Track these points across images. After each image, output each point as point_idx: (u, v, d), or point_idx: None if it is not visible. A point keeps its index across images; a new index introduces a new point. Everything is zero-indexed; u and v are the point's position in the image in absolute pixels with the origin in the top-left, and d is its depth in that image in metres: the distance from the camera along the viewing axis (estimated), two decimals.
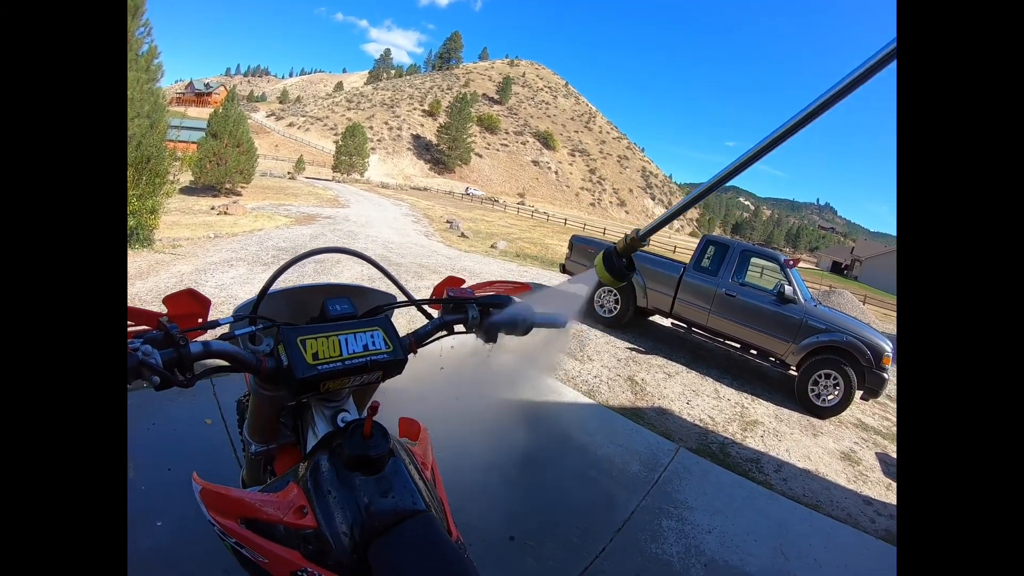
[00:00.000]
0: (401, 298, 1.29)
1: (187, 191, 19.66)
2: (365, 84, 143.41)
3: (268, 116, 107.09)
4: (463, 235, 17.39)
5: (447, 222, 20.23)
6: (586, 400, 4.93)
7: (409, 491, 1.00)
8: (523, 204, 70.19)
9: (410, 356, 1.13)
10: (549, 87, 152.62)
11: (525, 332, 1.32)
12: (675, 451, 4.26)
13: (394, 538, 0.91)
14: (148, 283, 5.41)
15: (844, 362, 6.12)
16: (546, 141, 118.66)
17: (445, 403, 2.68)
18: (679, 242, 49.10)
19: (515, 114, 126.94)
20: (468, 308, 1.29)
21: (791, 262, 6.94)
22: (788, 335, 6.43)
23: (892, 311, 29.15)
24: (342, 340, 1.00)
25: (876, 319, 22.87)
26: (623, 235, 1.16)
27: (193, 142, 22.77)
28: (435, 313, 1.35)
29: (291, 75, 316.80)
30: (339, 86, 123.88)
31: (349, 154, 57.34)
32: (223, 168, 21.60)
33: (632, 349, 6.84)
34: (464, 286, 1.36)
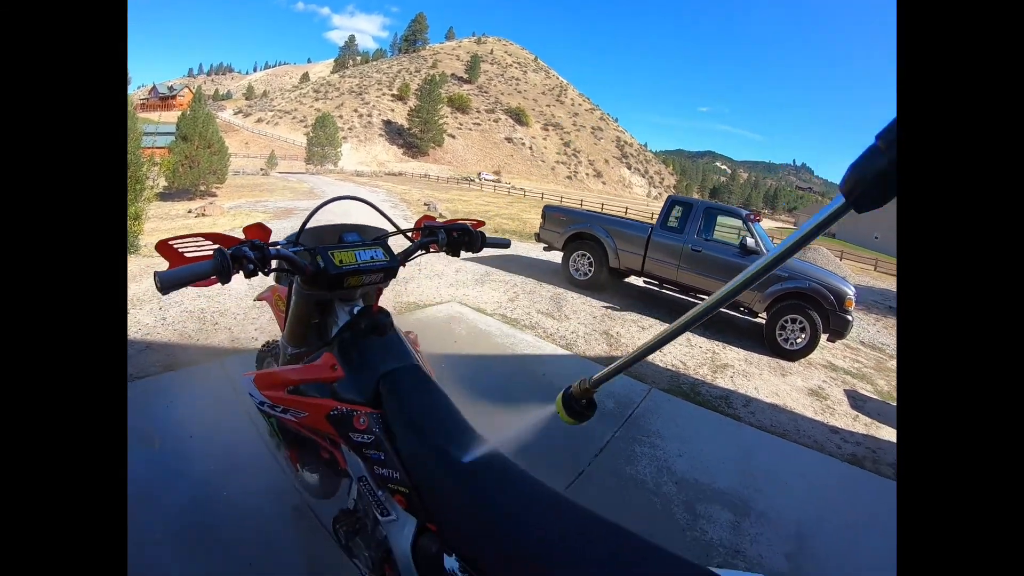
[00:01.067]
0: (394, 231, 1.77)
1: (162, 196, 19.64)
2: (331, 73, 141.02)
3: (235, 114, 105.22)
4: (441, 216, 17.65)
5: (425, 204, 20.38)
6: (564, 352, 5.26)
7: (405, 351, 1.48)
8: (499, 181, 69.95)
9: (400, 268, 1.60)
10: (518, 63, 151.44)
11: (479, 250, 1.77)
12: (647, 391, 4.63)
13: (396, 375, 1.37)
14: (143, 285, 5.64)
15: (808, 307, 6.51)
16: (518, 117, 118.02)
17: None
18: (656, 210, 49.39)
19: (485, 92, 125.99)
20: (438, 232, 1.74)
21: (752, 216, 7.32)
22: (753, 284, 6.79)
23: (868, 265, 29.84)
24: (357, 253, 1.44)
25: (852, 272, 23.37)
26: (578, 381, 1.13)
27: (163, 147, 22.60)
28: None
29: (255, 70, 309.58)
30: (305, 77, 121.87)
31: (321, 145, 57.05)
32: (196, 170, 21.57)
33: (607, 307, 7.22)
34: (439, 221, 1.80)
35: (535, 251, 10.33)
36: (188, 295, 5.25)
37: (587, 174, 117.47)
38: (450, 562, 1.10)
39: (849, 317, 6.55)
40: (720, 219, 7.59)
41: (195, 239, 1.22)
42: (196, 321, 4.74)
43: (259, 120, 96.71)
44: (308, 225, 1.51)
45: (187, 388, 3.44)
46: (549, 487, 1.15)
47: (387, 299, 5.48)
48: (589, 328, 6.11)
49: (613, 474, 3.30)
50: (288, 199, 21.87)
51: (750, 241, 6.89)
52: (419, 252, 1.71)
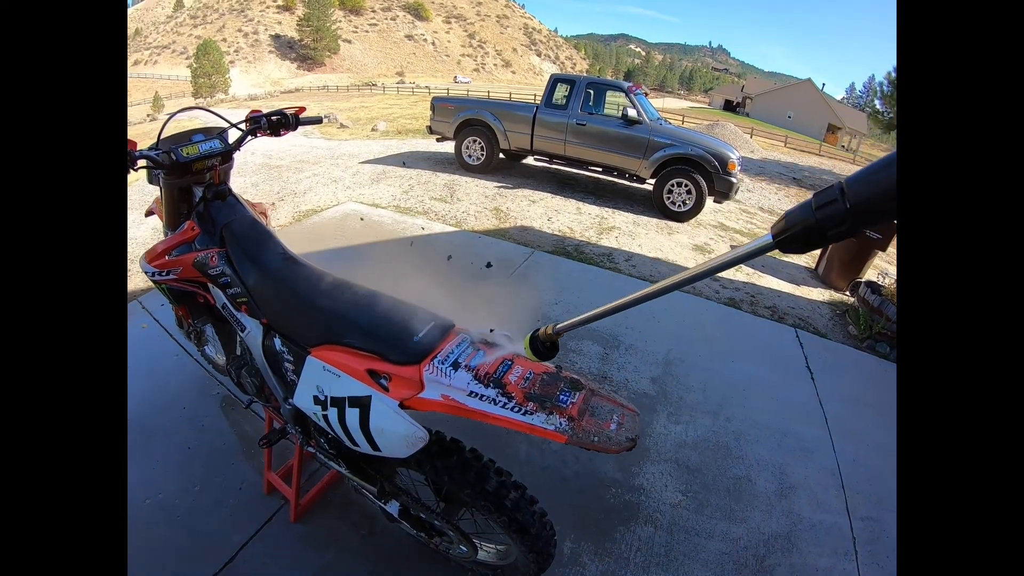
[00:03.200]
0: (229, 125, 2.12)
1: None
2: None
3: None
4: (342, 125, 16.96)
5: (324, 116, 19.45)
6: (452, 228, 5.50)
7: (243, 209, 1.93)
8: (402, 82, 66.79)
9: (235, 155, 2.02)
10: None
11: (294, 128, 2.15)
12: (530, 253, 4.98)
13: (233, 224, 1.83)
14: None
15: (693, 171, 6.88)
16: (417, 12, 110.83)
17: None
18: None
19: None
20: (261, 120, 2.07)
21: (634, 88, 7.56)
22: (638, 152, 7.15)
23: (779, 141, 31.01)
24: (200, 146, 1.83)
25: (761, 147, 24.19)
26: (544, 326, 1.26)
27: None
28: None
29: None
30: (179, 4, 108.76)
31: (207, 75, 52.68)
32: None
33: (500, 187, 7.47)
34: (264, 112, 2.14)
35: (434, 146, 10.30)
36: None
37: (495, 65, 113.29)
38: (277, 342, 1.65)
39: (733, 179, 6.94)
40: (603, 93, 7.79)
41: None
42: None
43: (136, 62, 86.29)
44: (163, 135, 1.88)
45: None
46: (340, 277, 1.65)
47: (286, 211, 5.51)
48: (480, 207, 6.34)
49: (491, 324, 3.63)
50: None
51: (631, 112, 7.13)
52: (249, 138, 2.07)
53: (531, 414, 1.22)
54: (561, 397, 1.27)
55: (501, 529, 1.52)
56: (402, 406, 1.32)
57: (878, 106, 38.45)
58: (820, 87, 67.97)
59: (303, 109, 2.19)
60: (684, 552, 2.22)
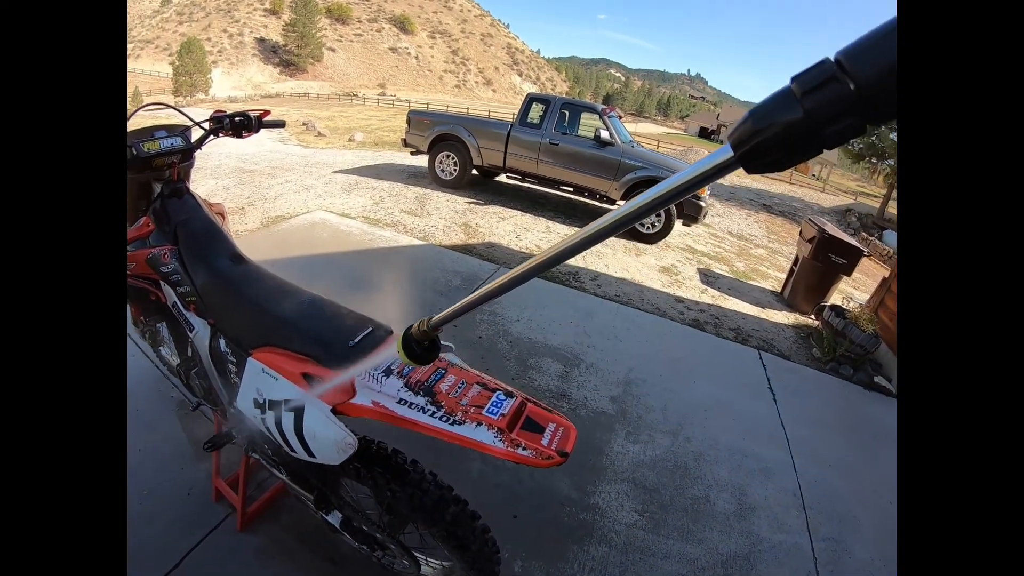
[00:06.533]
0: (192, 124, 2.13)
1: None
2: None
3: None
4: (320, 134, 16.92)
5: (303, 124, 19.41)
6: (419, 242, 5.46)
7: (197, 206, 1.91)
8: (384, 94, 66.86)
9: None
10: None
11: (256, 130, 2.17)
12: (495, 269, 4.98)
13: (188, 222, 1.82)
14: None
15: None
16: (403, 25, 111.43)
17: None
18: None
19: (367, 0, 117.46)
20: (224, 120, 2.05)
21: (607, 110, 7.67)
22: (609, 174, 7.23)
23: None
24: (161, 142, 1.86)
25: (732, 175, 24.71)
26: (417, 322, 1.02)
27: None
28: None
29: None
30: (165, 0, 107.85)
31: (188, 73, 52.26)
32: None
33: (471, 202, 7.46)
34: (254, 114, 2.17)
35: (409, 159, 10.30)
36: None
37: (476, 82, 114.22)
38: (222, 343, 1.65)
39: (702, 203, 7.06)
40: (577, 114, 7.88)
41: None
42: None
43: None
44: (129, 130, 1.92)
45: None
46: (290, 282, 1.64)
47: (255, 216, 5.45)
48: (449, 222, 6.32)
49: (451, 338, 3.61)
50: None
51: (604, 134, 7.20)
52: (211, 137, 2.07)
53: (459, 424, 1.20)
54: (492, 407, 1.24)
55: (441, 544, 1.49)
56: (335, 411, 1.30)
57: None
58: None
59: (267, 112, 2.21)
60: (639, 572, 2.20)
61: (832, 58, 0.44)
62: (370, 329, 1.41)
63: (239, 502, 2.02)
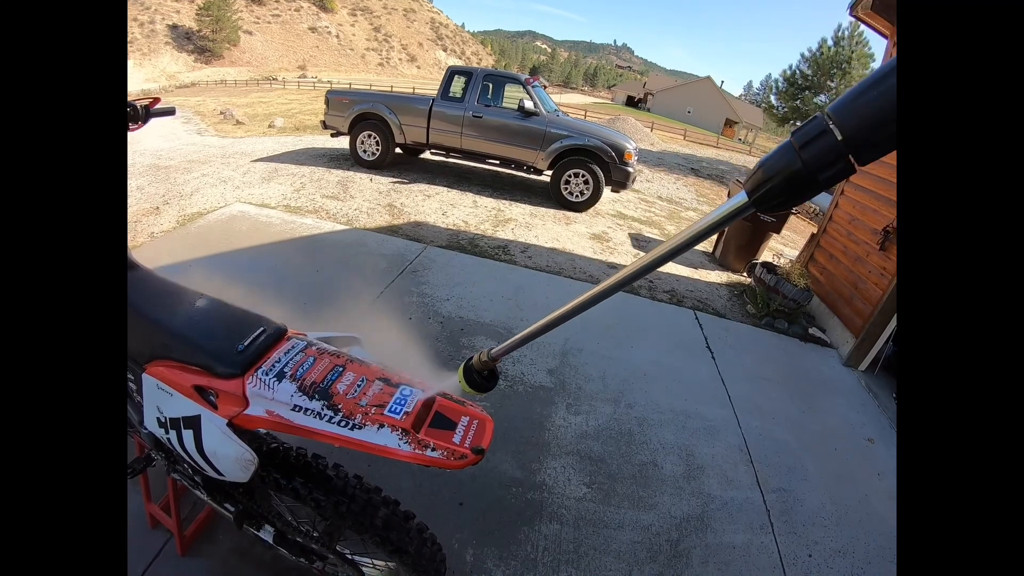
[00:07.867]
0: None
1: None
2: None
3: None
4: (238, 122, 16.14)
5: (220, 113, 18.46)
6: (343, 227, 5.23)
7: None
8: (304, 76, 64.47)
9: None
10: None
11: (146, 121, 1.92)
12: (422, 249, 4.80)
13: None
14: None
15: (590, 161, 6.97)
16: (322, 4, 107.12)
17: None
18: None
19: None
20: (138, 109, 1.86)
21: (531, 80, 7.55)
22: (535, 144, 7.14)
23: (678, 135, 32.39)
24: None
25: (661, 140, 25.09)
26: (477, 353, 1.06)
27: None
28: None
29: None
30: None
31: None
32: None
33: (396, 182, 7.21)
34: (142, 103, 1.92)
35: (331, 142, 9.93)
36: None
37: (400, 59, 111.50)
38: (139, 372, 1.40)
39: (630, 169, 7.06)
40: (501, 85, 7.69)
41: None
42: None
43: None
44: None
45: None
46: (182, 286, 1.48)
47: (171, 215, 5.11)
48: (373, 204, 6.09)
49: (380, 329, 3.41)
50: None
51: (528, 104, 7.10)
52: (132, 125, 1.89)
53: (358, 428, 1.10)
54: (395, 405, 1.14)
55: (377, 549, 1.40)
56: (231, 424, 1.18)
57: (773, 101, 41.28)
58: (719, 84, 71.73)
59: (157, 100, 2.00)
60: (594, 546, 2.18)
61: (823, 114, 0.54)
62: (261, 330, 1.30)
63: (174, 526, 1.88)
